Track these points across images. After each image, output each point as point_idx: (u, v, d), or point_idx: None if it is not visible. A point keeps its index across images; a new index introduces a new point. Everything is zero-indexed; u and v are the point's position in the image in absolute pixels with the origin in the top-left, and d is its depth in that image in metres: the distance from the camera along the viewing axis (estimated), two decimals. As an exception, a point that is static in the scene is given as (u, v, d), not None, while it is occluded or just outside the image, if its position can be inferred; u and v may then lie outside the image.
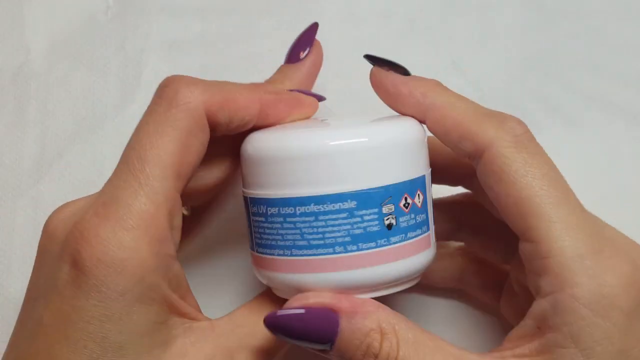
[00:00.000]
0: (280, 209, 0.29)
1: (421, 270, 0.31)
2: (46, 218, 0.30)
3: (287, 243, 0.29)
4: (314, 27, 0.35)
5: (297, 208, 0.29)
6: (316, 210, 0.29)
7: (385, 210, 0.29)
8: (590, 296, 0.27)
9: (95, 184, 0.38)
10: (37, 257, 0.30)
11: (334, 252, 0.29)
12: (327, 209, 0.29)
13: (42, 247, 0.30)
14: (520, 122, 0.30)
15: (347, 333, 0.28)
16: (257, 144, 0.30)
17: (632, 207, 0.39)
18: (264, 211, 0.30)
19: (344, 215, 0.29)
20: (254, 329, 0.30)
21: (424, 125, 0.31)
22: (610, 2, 0.42)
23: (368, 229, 0.29)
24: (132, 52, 0.41)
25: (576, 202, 0.29)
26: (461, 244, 0.38)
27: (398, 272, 0.30)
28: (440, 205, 0.36)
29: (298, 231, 0.29)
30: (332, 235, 0.29)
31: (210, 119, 0.30)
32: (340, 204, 0.29)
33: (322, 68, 0.36)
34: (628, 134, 0.41)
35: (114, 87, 0.41)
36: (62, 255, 0.28)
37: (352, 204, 0.29)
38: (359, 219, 0.29)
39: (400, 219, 0.29)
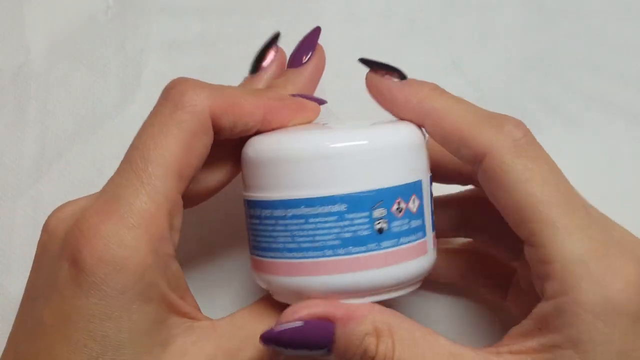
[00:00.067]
0: (273, 211, 0.29)
1: (417, 277, 0.31)
2: (46, 218, 0.30)
3: (279, 245, 0.29)
4: (316, 32, 0.35)
5: (288, 210, 0.29)
6: (306, 213, 0.29)
7: (376, 214, 0.29)
8: (594, 301, 0.27)
9: (95, 183, 0.39)
10: (36, 256, 0.30)
11: (324, 256, 0.29)
12: (317, 211, 0.29)
13: (42, 246, 0.30)
14: (519, 125, 0.29)
15: (343, 340, 0.28)
16: (253, 147, 0.30)
17: (632, 207, 0.39)
18: (259, 214, 0.30)
19: (334, 218, 0.28)
20: (256, 331, 0.30)
21: (424, 129, 0.31)
22: (610, 2, 0.42)
23: (358, 232, 0.29)
24: (132, 52, 0.41)
25: (580, 204, 0.29)
26: (468, 240, 0.38)
27: (389, 278, 0.29)
28: (449, 201, 0.36)
29: (289, 234, 0.29)
30: (322, 238, 0.29)
31: (215, 122, 0.30)
32: (330, 206, 0.28)
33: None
34: (628, 134, 0.41)
35: (114, 87, 0.41)
36: (62, 254, 0.28)
37: (342, 207, 0.28)
38: (348, 223, 0.28)
39: (393, 224, 0.29)
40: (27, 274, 0.30)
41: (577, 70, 0.41)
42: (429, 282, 0.37)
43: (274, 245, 0.30)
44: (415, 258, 0.30)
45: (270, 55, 0.34)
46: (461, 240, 0.38)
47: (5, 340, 0.30)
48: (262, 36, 0.35)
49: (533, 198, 0.28)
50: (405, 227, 0.29)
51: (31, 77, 0.41)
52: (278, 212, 0.29)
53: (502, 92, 0.41)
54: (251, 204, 0.31)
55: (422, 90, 0.31)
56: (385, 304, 0.30)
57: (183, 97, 0.29)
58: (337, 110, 0.38)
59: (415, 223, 0.30)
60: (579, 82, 0.41)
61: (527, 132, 0.29)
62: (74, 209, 0.29)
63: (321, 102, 0.33)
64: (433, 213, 0.31)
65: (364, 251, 0.29)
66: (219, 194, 0.33)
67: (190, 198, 0.31)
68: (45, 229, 0.30)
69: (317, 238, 0.29)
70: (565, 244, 0.28)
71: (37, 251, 0.30)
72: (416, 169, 0.30)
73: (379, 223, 0.29)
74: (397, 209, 0.29)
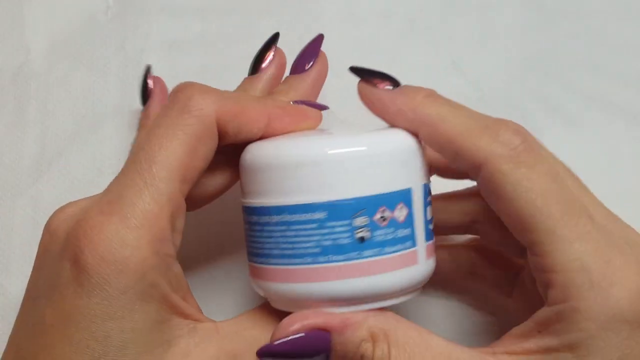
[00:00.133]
0: (260, 217, 0.30)
1: (406, 288, 0.30)
2: (46, 218, 0.30)
3: (265, 252, 0.30)
4: (319, 39, 0.35)
5: (273, 217, 0.29)
6: (289, 220, 0.29)
7: (356, 222, 0.28)
8: (595, 309, 0.27)
9: (95, 183, 0.39)
10: (37, 256, 0.30)
11: (304, 263, 0.29)
12: (298, 218, 0.28)
13: (43, 246, 0.30)
14: (517, 132, 0.29)
15: (340, 348, 0.28)
16: (247, 153, 0.31)
17: (632, 207, 0.39)
18: (249, 219, 0.30)
19: (314, 225, 0.28)
20: (258, 334, 0.30)
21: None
22: (610, 2, 0.42)
23: (338, 241, 0.28)
24: (132, 52, 0.41)
25: (581, 210, 0.28)
26: (474, 236, 0.38)
27: (372, 287, 0.29)
28: (456, 198, 0.35)
29: (273, 240, 0.29)
30: (303, 245, 0.29)
31: (220, 128, 0.30)
32: (311, 214, 0.28)
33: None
34: (628, 134, 0.41)
35: (114, 87, 0.41)
36: (64, 253, 0.28)
37: (322, 215, 0.28)
38: (328, 231, 0.28)
39: (376, 233, 0.29)
40: (27, 273, 0.30)
41: (577, 70, 0.41)
42: (430, 282, 0.37)
43: (262, 252, 0.30)
44: (402, 268, 0.29)
45: (269, 56, 0.34)
46: (468, 237, 0.38)
47: (6, 340, 0.30)
48: (262, 36, 0.35)
49: (533, 208, 0.28)
50: (390, 237, 0.29)
51: (31, 77, 0.41)
52: (264, 219, 0.29)
53: (502, 92, 0.41)
54: (244, 210, 0.31)
55: (415, 98, 0.30)
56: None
57: (190, 101, 0.29)
58: (337, 111, 0.38)
59: (402, 232, 0.29)
60: (579, 82, 0.41)
61: (525, 138, 0.29)
62: (75, 209, 0.30)
63: (323, 107, 0.34)
64: (431, 222, 0.31)
65: (344, 260, 0.28)
66: (222, 198, 0.33)
67: (192, 201, 0.31)
68: (47, 229, 0.30)
69: (297, 245, 0.29)
70: (566, 253, 0.27)
71: (38, 251, 0.30)
72: (406, 176, 0.29)
73: (360, 232, 0.28)
74: (381, 217, 0.29)
